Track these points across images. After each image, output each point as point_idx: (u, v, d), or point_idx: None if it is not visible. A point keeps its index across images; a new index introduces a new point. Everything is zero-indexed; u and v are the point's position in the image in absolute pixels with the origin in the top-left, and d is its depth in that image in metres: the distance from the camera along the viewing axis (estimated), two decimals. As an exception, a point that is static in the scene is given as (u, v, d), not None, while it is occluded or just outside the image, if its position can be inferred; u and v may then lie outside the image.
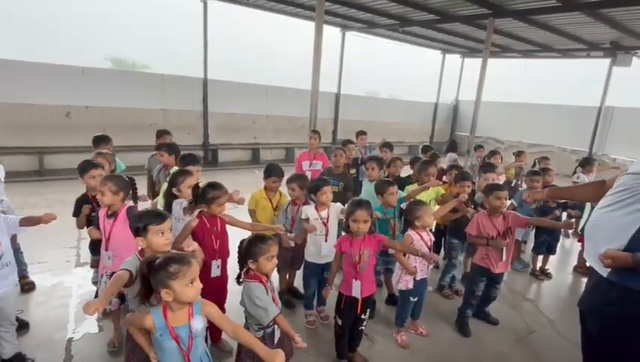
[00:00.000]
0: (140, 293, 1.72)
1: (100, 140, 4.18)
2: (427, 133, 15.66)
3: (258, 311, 2.01)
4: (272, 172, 3.45)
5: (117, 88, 8.41)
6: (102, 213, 2.67)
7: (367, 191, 3.80)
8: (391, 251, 3.43)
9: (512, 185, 6.49)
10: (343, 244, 2.63)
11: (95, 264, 3.36)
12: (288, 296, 3.60)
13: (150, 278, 1.64)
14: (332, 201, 4.26)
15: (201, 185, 2.76)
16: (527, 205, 4.50)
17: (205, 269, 2.55)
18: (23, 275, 3.54)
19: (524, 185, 5.21)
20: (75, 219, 3.07)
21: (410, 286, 2.98)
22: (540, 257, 4.74)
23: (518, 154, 6.71)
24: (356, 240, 2.60)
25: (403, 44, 12.94)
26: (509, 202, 3.93)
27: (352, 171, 5.13)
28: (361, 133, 6.30)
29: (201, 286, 1.68)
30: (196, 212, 2.68)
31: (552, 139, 12.96)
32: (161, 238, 2.00)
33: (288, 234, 3.33)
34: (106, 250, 2.61)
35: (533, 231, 4.85)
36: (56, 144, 7.62)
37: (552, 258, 4.84)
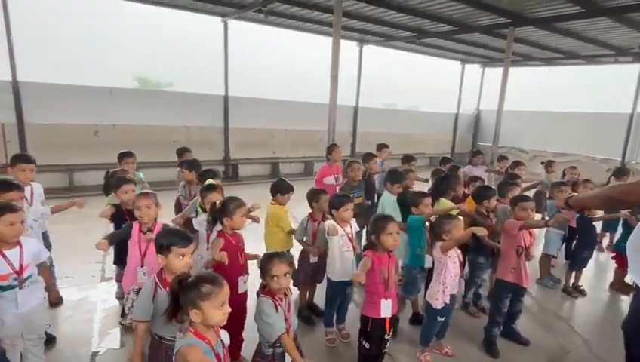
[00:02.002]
0: (167, 311, 1.71)
1: (124, 155, 4.42)
2: (448, 144, 15.42)
3: (264, 326, 1.99)
4: (289, 188, 3.47)
5: (142, 107, 8.74)
6: (136, 228, 2.72)
7: (391, 203, 3.72)
8: (427, 265, 3.34)
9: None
10: (374, 259, 2.52)
11: (120, 277, 3.45)
12: (308, 313, 3.54)
13: (180, 296, 1.63)
14: (358, 213, 4.22)
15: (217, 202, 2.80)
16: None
17: (232, 286, 2.56)
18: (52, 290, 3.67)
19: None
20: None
21: (447, 301, 2.84)
22: (573, 273, 4.50)
23: (549, 164, 6.47)
24: (383, 256, 2.53)
25: (421, 56, 12.93)
26: (538, 215, 3.75)
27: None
28: (383, 146, 6.17)
29: (229, 310, 1.65)
30: (215, 231, 2.71)
31: (579, 148, 12.48)
32: (180, 261, 2.00)
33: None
34: (142, 266, 2.66)
35: (564, 245, 4.64)
36: (85, 161, 7.93)
37: (585, 274, 4.58)
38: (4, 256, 2.30)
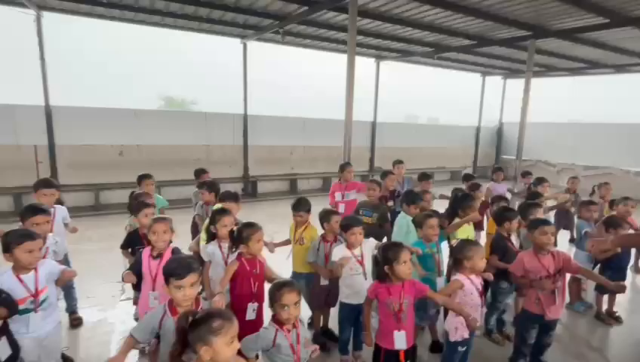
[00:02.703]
0: (173, 349, 1.66)
1: (143, 178, 4.50)
2: (470, 158, 15.07)
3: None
4: (297, 206, 3.46)
5: (164, 127, 9.02)
6: (146, 254, 2.75)
7: (402, 226, 3.63)
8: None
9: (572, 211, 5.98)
10: (380, 291, 2.47)
11: (137, 301, 3.48)
12: (323, 339, 3.44)
13: (189, 333, 1.58)
14: (366, 233, 4.14)
15: (235, 227, 2.81)
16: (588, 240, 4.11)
17: (241, 312, 2.55)
18: (72, 311, 3.75)
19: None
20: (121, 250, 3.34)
21: (467, 335, 2.68)
22: (606, 297, 4.20)
23: (571, 180, 6.22)
24: (395, 286, 2.44)
25: (441, 69, 12.84)
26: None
27: (390, 204, 4.96)
28: (398, 163, 6.07)
29: (238, 346, 1.62)
30: (235, 254, 2.71)
31: (610, 160, 11.90)
32: (178, 293, 1.97)
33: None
34: (153, 290, 2.67)
35: (598, 266, 4.36)
36: (110, 180, 8.21)
37: (621, 298, 4.28)
38: (20, 281, 2.37)
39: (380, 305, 2.49)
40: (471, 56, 10.61)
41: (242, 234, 2.58)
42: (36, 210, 2.84)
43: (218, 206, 3.31)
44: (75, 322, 3.70)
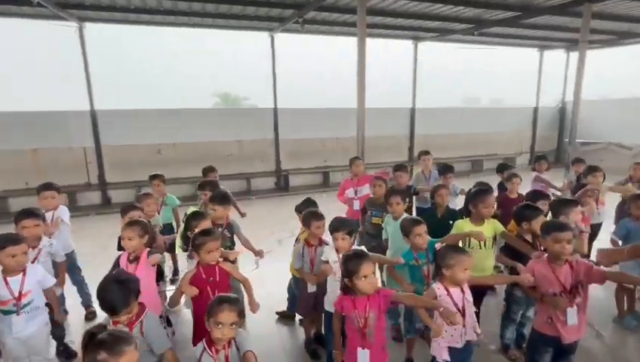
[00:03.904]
0: None
1: (152, 178, 4.75)
2: (526, 143, 13.61)
3: None
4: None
5: (199, 125, 9.32)
6: (124, 258, 2.78)
7: (392, 232, 3.30)
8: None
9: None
10: (345, 304, 2.24)
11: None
12: (315, 346, 3.28)
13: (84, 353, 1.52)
14: (376, 234, 3.85)
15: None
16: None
17: (202, 324, 2.46)
18: (87, 305, 3.99)
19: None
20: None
21: (445, 356, 2.34)
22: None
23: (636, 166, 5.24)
24: (360, 299, 2.20)
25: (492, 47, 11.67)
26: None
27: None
28: (423, 154, 5.55)
29: None
30: (196, 260, 2.64)
31: None
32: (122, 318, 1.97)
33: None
34: None
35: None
36: (150, 178, 8.73)
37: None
38: (6, 283, 2.51)
39: (346, 319, 2.27)
40: (519, 29, 9.45)
41: (195, 241, 2.48)
42: (25, 213, 2.95)
43: (193, 210, 3.24)
44: (90, 316, 3.93)
